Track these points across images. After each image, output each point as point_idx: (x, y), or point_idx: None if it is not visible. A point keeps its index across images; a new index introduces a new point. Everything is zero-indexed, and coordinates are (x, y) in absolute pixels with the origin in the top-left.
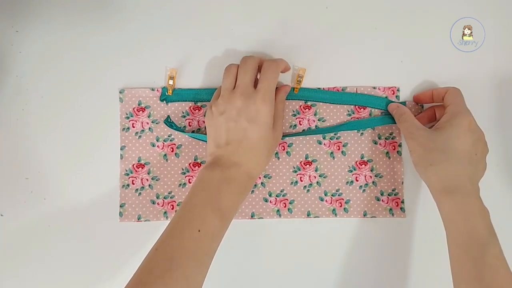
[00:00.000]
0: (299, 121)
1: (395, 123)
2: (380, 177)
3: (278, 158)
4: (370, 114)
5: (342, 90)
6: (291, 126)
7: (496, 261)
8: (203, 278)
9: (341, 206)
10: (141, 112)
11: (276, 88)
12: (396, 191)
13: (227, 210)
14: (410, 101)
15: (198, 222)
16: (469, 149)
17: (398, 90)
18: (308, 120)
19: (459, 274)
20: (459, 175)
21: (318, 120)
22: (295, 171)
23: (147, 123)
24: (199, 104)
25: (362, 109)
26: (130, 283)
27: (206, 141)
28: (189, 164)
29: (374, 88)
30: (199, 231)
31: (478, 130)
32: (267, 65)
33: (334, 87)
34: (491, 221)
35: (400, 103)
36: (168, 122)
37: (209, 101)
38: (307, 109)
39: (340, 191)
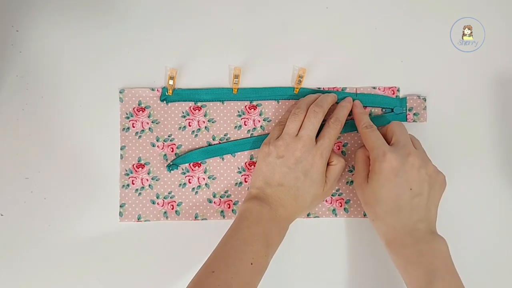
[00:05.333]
0: None
1: None
2: None
3: None
4: (370, 114)
5: (342, 90)
6: None
7: None
8: None
9: (341, 206)
10: (141, 112)
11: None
12: None
13: (273, 247)
14: (411, 95)
15: (251, 256)
16: (397, 194)
17: (398, 90)
18: None
19: None
20: (394, 227)
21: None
22: None
23: (147, 123)
24: (199, 104)
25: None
26: None
27: (219, 156)
28: (189, 164)
29: (374, 88)
30: (251, 264)
31: (402, 164)
32: (333, 123)
33: (334, 87)
34: (447, 258)
35: (401, 99)
36: (173, 165)
37: (209, 101)
38: None
39: (340, 191)
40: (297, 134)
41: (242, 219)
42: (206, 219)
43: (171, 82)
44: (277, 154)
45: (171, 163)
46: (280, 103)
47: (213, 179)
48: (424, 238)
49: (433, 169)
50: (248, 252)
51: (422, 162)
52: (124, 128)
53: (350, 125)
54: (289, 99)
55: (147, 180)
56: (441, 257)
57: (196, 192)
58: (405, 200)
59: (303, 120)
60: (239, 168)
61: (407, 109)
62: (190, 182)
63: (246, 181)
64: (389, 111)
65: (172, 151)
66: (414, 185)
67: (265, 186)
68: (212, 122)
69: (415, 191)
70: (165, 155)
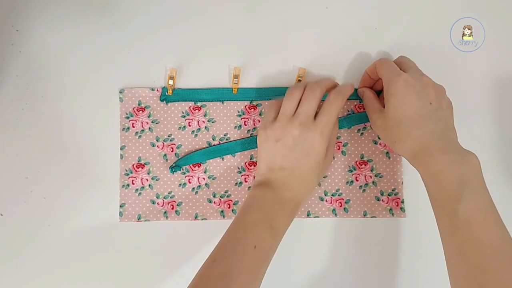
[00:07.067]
0: None
1: None
2: (380, 177)
3: None
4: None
5: None
6: None
7: (469, 215)
8: None
9: (341, 206)
10: (141, 112)
11: None
12: (396, 191)
13: (279, 229)
14: None
15: (254, 240)
16: (418, 106)
17: None
18: None
19: (441, 231)
20: (421, 138)
21: None
22: None
23: (147, 123)
24: (199, 104)
25: (362, 109)
26: None
27: (220, 157)
28: (189, 164)
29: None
30: (254, 247)
31: (418, 81)
32: (333, 98)
33: None
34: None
35: None
36: (176, 167)
37: (209, 101)
38: None
39: (340, 191)
40: (294, 114)
41: (245, 206)
42: (206, 219)
43: (171, 82)
44: (274, 137)
45: (174, 165)
46: None
47: (213, 179)
48: (455, 147)
49: (444, 91)
50: (250, 237)
51: (434, 83)
52: (124, 128)
53: (350, 120)
54: None
55: (147, 180)
56: (473, 169)
57: (196, 192)
58: (428, 111)
59: (299, 101)
60: (239, 168)
61: None
62: (190, 182)
63: (246, 181)
64: None
65: (172, 151)
66: (433, 100)
67: (268, 171)
68: (212, 122)
69: (434, 105)
70: (165, 155)
